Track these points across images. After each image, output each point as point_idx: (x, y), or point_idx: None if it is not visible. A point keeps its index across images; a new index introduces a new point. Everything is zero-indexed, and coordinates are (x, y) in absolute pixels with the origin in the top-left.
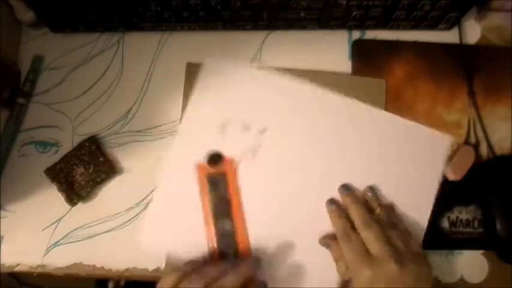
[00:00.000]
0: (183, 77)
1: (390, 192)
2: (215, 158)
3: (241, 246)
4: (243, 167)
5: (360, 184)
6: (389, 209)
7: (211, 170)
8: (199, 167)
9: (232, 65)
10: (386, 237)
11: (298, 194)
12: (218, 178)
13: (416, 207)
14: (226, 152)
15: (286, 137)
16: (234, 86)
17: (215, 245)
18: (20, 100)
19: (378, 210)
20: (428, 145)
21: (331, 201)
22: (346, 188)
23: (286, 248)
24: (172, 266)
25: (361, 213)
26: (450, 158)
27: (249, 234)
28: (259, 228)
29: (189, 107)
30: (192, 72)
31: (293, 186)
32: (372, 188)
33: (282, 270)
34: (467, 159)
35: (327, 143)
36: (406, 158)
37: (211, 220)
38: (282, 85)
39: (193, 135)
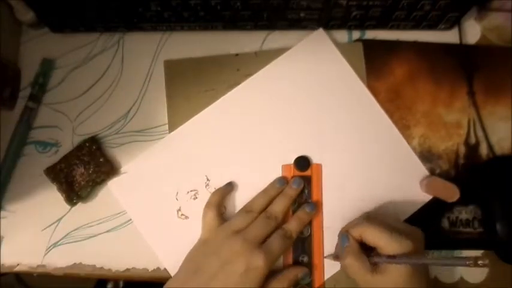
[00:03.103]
0: None
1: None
2: (303, 163)
3: (315, 251)
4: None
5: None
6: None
7: (298, 172)
8: (285, 168)
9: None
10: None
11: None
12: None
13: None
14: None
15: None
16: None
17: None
18: (30, 104)
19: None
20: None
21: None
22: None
23: None
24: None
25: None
26: (433, 195)
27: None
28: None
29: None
30: (171, 69)
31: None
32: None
33: None
34: (439, 186)
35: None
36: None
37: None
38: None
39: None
